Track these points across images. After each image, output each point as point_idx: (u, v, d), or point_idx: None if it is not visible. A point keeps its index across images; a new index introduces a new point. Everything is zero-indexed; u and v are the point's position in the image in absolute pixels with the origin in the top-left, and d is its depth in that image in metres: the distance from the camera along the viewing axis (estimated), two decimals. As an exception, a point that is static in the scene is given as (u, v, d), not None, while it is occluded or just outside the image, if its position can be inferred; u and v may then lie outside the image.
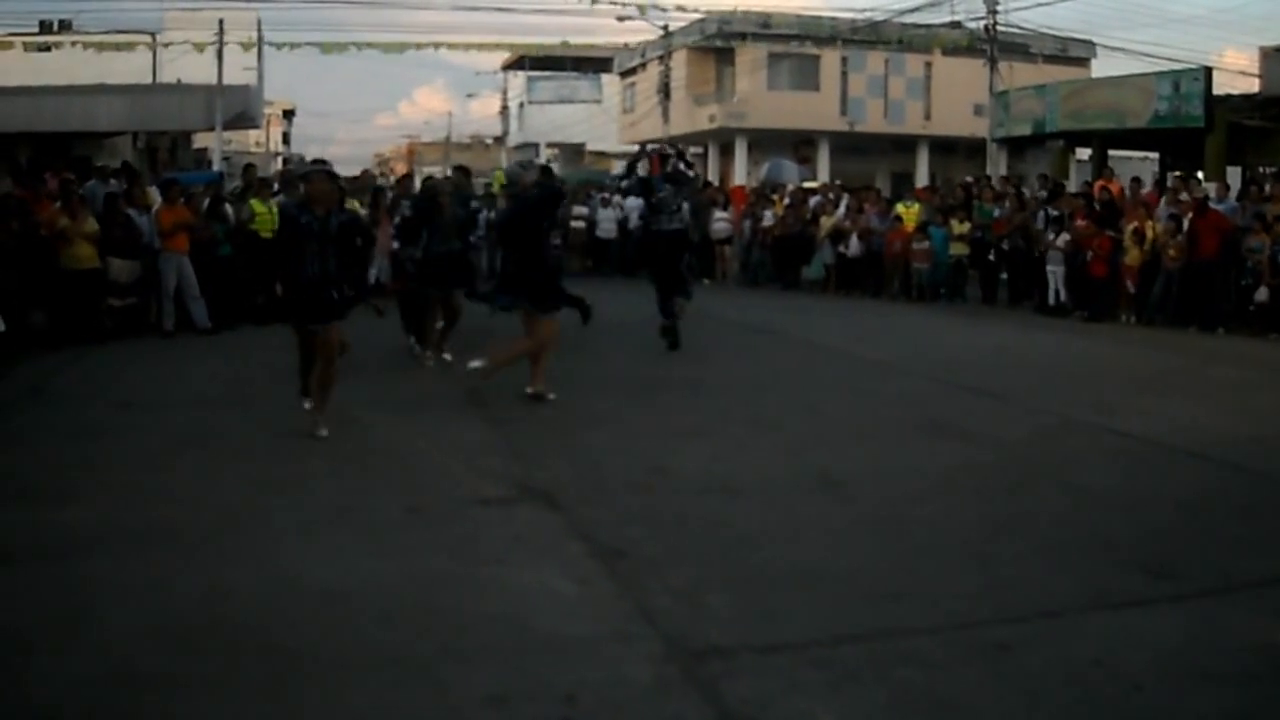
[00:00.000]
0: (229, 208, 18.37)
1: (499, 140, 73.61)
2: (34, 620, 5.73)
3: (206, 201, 18.19)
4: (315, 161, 11.13)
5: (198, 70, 37.65)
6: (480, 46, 42.73)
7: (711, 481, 8.56)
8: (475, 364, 11.14)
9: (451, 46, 41.86)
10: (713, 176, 47.42)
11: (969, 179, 28.07)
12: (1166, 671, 5.24)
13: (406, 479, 8.40)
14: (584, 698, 4.89)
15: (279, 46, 37.32)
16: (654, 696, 4.95)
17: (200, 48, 35.54)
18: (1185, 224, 18.66)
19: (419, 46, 41.20)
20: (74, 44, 33.07)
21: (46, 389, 12.50)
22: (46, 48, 33.41)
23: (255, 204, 18.22)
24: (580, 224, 27.78)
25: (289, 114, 72.86)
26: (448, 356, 13.49)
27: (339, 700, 4.91)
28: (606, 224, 27.64)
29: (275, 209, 15.75)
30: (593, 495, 8.14)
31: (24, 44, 32.41)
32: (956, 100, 45.87)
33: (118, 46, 33.55)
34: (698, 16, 45.68)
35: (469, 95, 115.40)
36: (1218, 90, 27.03)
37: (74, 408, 11.41)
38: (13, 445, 9.80)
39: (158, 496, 7.73)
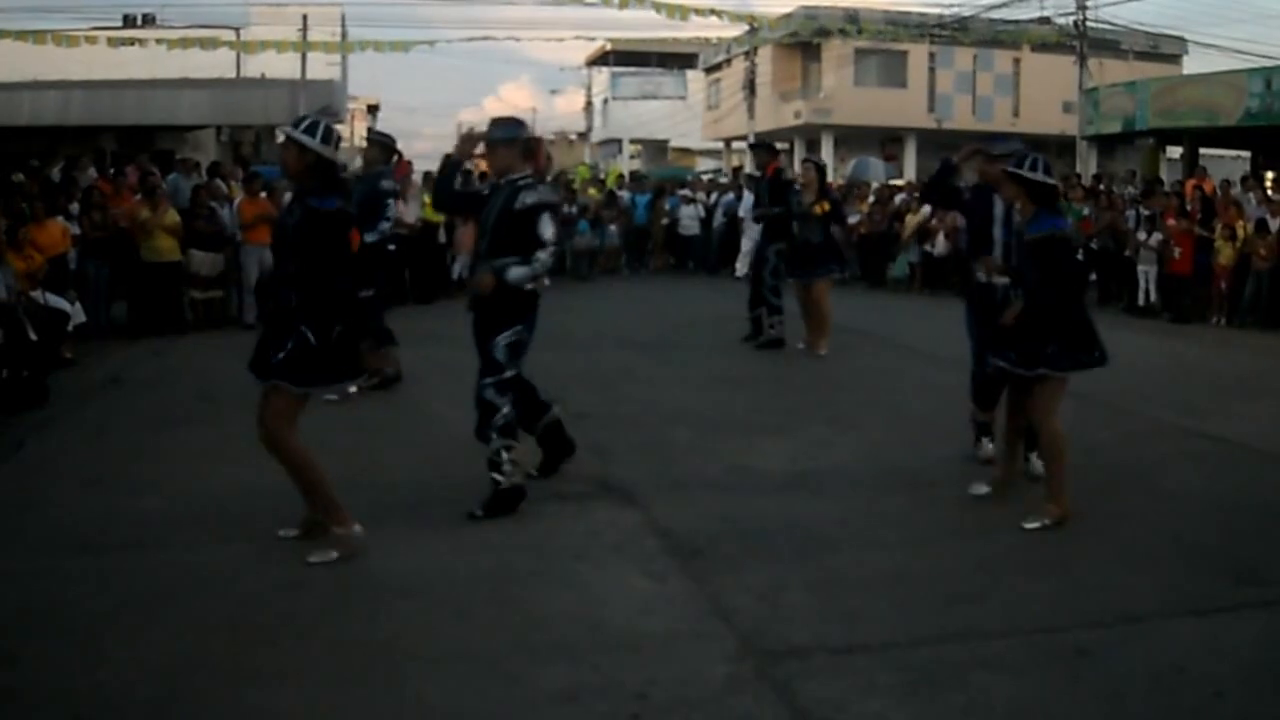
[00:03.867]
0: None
1: (583, 136, 73.73)
2: (109, 607, 5.81)
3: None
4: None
5: (282, 65, 37.96)
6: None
7: (791, 480, 8.50)
8: (1034, 523, 7.32)
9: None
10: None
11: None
12: (1250, 678, 5.16)
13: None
14: (655, 695, 4.88)
15: (362, 47, 37.50)
16: (727, 695, 4.92)
17: (283, 48, 35.70)
18: (1275, 225, 18.31)
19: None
20: (158, 42, 33.32)
21: (126, 379, 12.66)
22: (130, 42, 33.61)
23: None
24: (664, 221, 27.63)
25: (373, 109, 73.21)
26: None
27: (410, 693, 4.92)
28: (688, 221, 27.41)
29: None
30: (671, 492, 8.11)
31: (108, 39, 32.56)
32: (1045, 97, 45.39)
33: (201, 42, 33.78)
34: (784, 12, 45.45)
35: (553, 91, 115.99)
36: (1311, 87, 26.51)
37: (154, 398, 11.56)
38: (93, 435, 9.95)
39: (235, 487, 7.79)
